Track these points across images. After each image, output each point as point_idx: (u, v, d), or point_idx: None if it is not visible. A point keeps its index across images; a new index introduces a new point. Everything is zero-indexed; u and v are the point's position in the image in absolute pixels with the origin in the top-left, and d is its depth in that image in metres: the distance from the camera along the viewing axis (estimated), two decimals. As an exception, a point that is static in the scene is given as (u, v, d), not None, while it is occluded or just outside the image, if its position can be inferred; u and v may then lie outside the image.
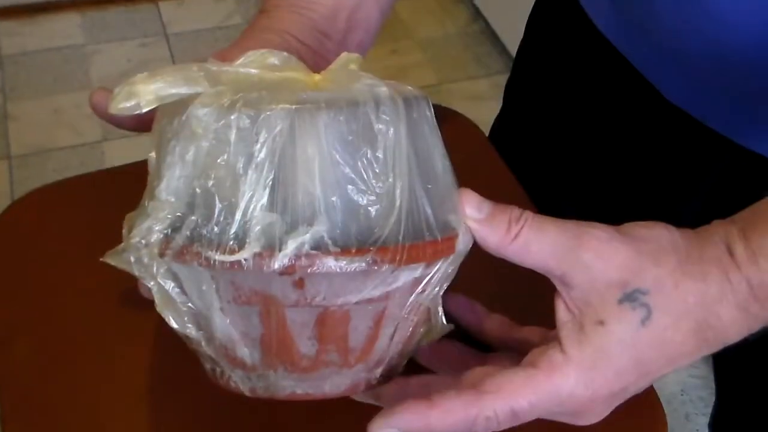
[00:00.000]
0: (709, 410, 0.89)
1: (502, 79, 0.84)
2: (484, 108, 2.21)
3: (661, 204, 0.71)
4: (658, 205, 0.71)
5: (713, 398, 0.85)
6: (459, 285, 0.44)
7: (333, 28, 0.54)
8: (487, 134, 0.80)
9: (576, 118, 0.73)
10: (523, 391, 0.40)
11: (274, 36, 0.51)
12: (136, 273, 0.39)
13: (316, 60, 0.53)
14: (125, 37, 2.31)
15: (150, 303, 0.41)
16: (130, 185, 0.46)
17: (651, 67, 0.62)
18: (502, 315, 0.49)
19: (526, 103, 0.79)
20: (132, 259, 0.39)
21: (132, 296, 0.49)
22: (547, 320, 0.43)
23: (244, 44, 0.51)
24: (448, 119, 0.60)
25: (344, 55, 0.43)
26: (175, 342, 0.43)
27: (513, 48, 0.85)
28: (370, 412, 0.41)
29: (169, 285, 0.39)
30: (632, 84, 0.65)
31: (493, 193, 0.43)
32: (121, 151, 1.95)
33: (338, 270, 0.36)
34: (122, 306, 0.55)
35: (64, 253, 0.58)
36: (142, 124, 0.47)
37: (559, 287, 0.42)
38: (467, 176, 0.43)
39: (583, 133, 0.73)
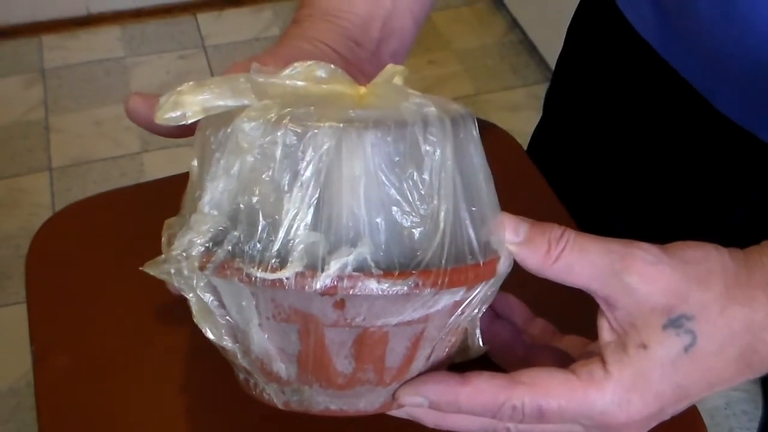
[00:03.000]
0: (754, 425, 0.88)
1: (540, 90, 0.84)
2: (521, 118, 2.20)
3: (707, 213, 0.70)
4: (703, 215, 0.70)
5: (758, 412, 0.84)
6: (508, 286, 0.43)
7: (366, 38, 0.54)
8: (525, 145, 0.80)
9: (620, 127, 0.72)
10: (555, 392, 0.40)
11: (307, 44, 0.51)
12: (176, 284, 0.39)
13: (349, 69, 0.52)
14: (164, 49, 2.33)
15: (187, 316, 0.41)
16: (169, 198, 0.46)
17: (698, 77, 0.61)
18: (545, 320, 0.49)
19: (568, 112, 0.78)
20: (172, 270, 0.39)
21: (170, 310, 0.49)
22: (590, 327, 0.42)
23: (277, 52, 0.51)
24: (485, 131, 0.59)
25: (389, 67, 0.42)
26: (213, 356, 0.43)
27: (550, 58, 0.84)
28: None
29: (208, 298, 0.39)
30: (678, 92, 0.64)
31: (531, 206, 0.43)
32: (160, 162, 1.97)
33: (380, 293, 0.36)
34: (160, 320, 0.55)
35: (103, 266, 0.59)
36: (180, 131, 0.48)
37: (602, 306, 0.41)
38: (505, 189, 0.43)
39: (627, 142, 0.72)
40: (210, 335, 0.41)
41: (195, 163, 0.41)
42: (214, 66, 2.28)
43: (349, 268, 0.36)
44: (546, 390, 0.39)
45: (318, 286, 0.36)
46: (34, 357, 0.53)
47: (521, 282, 0.43)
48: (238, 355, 0.41)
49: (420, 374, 0.41)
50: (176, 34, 2.38)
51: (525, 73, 2.26)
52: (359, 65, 0.53)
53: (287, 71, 0.41)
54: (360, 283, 0.36)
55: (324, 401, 0.41)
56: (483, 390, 0.40)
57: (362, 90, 0.41)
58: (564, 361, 0.42)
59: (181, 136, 0.48)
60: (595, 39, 0.73)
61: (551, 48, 0.78)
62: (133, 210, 0.62)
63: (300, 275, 0.36)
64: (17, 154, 2.01)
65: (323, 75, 0.41)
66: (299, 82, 0.40)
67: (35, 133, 2.07)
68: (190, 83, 0.39)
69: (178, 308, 0.47)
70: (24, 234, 1.79)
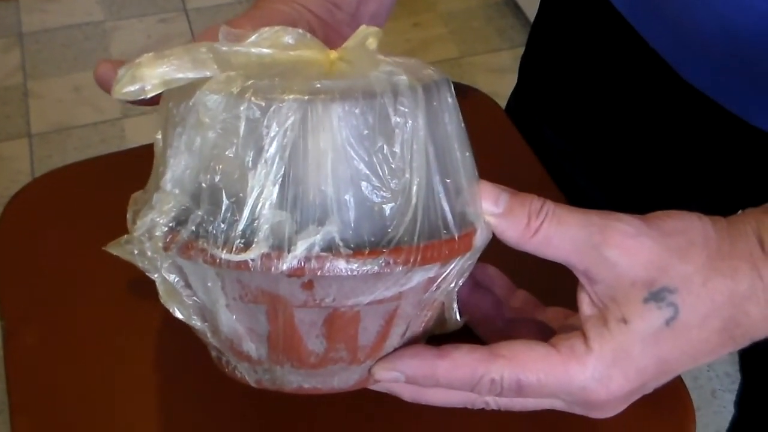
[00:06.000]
0: (736, 386, 0.88)
1: (525, 53, 0.82)
2: (506, 81, 2.18)
3: (683, 181, 0.69)
4: (679, 182, 0.69)
5: (740, 375, 0.84)
6: (488, 257, 0.42)
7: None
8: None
9: (593, 94, 0.71)
10: (535, 365, 0.39)
11: (284, 7, 0.50)
12: (140, 265, 0.38)
13: (327, 32, 0.51)
14: (145, 13, 2.30)
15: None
16: (150, 166, 0.45)
17: (666, 46, 0.61)
18: (527, 292, 0.48)
19: (542, 78, 0.77)
20: (135, 251, 0.38)
21: (145, 285, 0.47)
22: (575, 298, 0.41)
23: (254, 15, 0.49)
24: (465, 96, 0.58)
25: (362, 28, 0.41)
26: (185, 331, 0.42)
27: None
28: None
29: (174, 278, 0.38)
30: (647, 61, 0.63)
31: (512, 172, 0.42)
32: (141, 128, 1.95)
33: (349, 273, 0.35)
34: (135, 295, 0.54)
35: (78, 238, 0.57)
36: (152, 99, 0.46)
37: (582, 280, 0.40)
38: (486, 154, 0.42)
39: (600, 108, 0.71)
40: (178, 315, 0.40)
41: (159, 136, 0.39)
42: (196, 30, 2.25)
43: (317, 248, 0.35)
44: (525, 363, 0.39)
45: (284, 268, 0.34)
46: (4, 332, 0.52)
47: (502, 252, 0.42)
48: (208, 334, 0.40)
49: (396, 349, 0.41)
50: (157, -4, 2.35)
51: (511, 35, 2.24)
52: (338, 28, 0.52)
53: (253, 38, 0.39)
54: (328, 264, 0.35)
55: (297, 380, 0.40)
56: (461, 363, 0.39)
57: (332, 55, 0.39)
58: (545, 334, 0.42)
59: (155, 104, 0.47)
60: (568, 6, 0.72)
61: (537, 10, 0.78)
62: (113, 179, 0.61)
63: (266, 256, 0.34)
64: (-5, 121, 1.99)
65: (290, 41, 0.39)
66: (265, 50, 0.38)
67: (14, 98, 2.04)
68: (149, 54, 0.37)
69: (153, 284, 0.46)
70: (4, 202, 1.77)
